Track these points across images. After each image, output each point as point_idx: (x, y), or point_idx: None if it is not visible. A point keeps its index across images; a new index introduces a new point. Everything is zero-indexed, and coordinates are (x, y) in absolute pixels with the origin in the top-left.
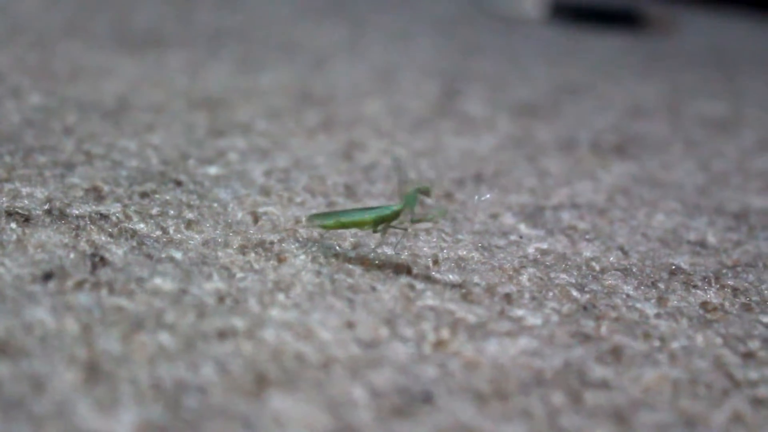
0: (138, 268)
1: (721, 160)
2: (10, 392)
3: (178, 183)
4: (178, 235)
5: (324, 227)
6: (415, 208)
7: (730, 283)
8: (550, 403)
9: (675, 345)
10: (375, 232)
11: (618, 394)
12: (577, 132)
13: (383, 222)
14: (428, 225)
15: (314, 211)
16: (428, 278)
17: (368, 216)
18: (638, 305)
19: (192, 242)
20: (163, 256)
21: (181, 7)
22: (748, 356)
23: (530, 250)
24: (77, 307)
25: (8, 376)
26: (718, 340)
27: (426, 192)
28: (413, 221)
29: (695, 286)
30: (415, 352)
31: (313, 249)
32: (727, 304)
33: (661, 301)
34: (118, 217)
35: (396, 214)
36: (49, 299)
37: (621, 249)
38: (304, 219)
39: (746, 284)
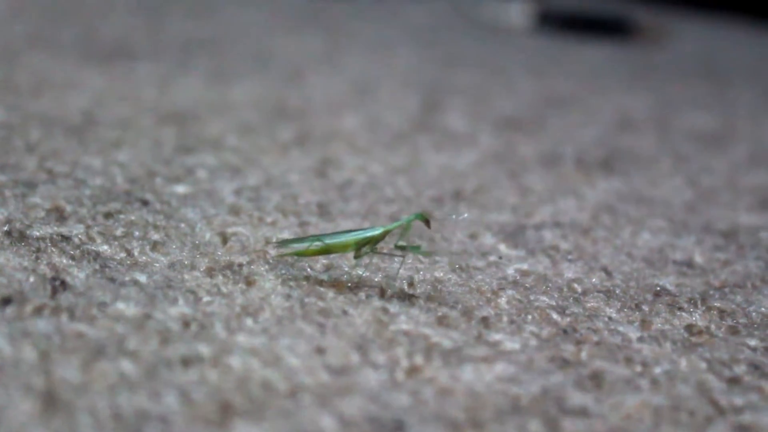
0: (100, 292)
1: (711, 176)
2: None
3: (145, 202)
4: (143, 258)
5: (298, 254)
6: (407, 235)
7: (717, 304)
8: None
9: (658, 370)
10: (357, 257)
11: (597, 421)
12: (561, 146)
13: (366, 245)
14: (407, 255)
15: (284, 237)
16: (403, 301)
17: (351, 238)
18: (621, 329)
19: (157, 265)
20: (127, 279)
21: (151, 18)
22: (734, 381)
23: (510, 271)
24: (36, 333)
25: None
26: (703, 365)
27: (425, 220)
28: (399, 247)
29: (680, 309)
30: (387, 378)
31: (283, 272)
32: (713, 326)
33: (644, 324)
34: (80, 239)
35: (381, 237)
36: (6, 325)
37: (604, 270)
38: (273, 246)
39: (734, 306)
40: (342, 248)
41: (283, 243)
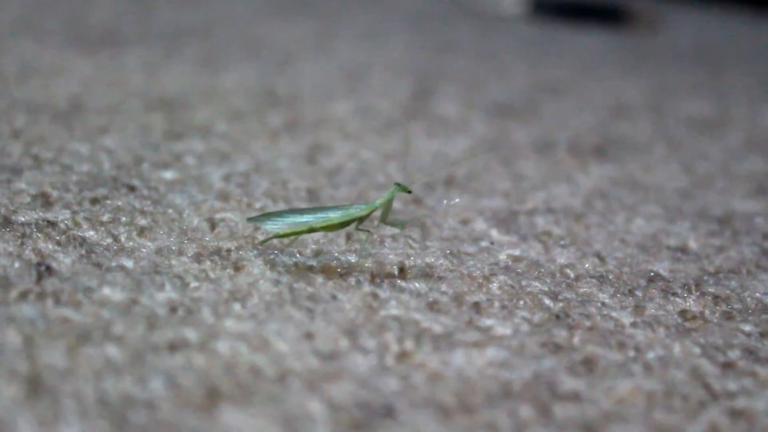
0: (86, 277)
1: (706, 162)
2: None
3: (132, 188)
4: (130, 243)
5: (278, 236)
6: (390, 211)
7: (711, 290)
8: (517, 417)
9: (651, 355)
10: (349, 239)
11: (589, 406)
12: (555, 133)
13: (353, 222)
14: (396, 230)
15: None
16: (393, 287)
17: (335, 219)
18: (614, 314)
19: (144, 250)
20: (114, 264)
21: (140, 3)
22: (728, 366)
23: (502, 256)
24: (20, 318)
25: None
26: (697, 350)
27: (406, 190)
28: (386, 222)
29: (674, 294)
30: (377, 364)
31: (272, 257)
32: (707, 312)
33: (637, 309)
34: (66, 225)
35: (366, 216)
36: None
37: (597, 255)
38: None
39: (728, 292)
40: (325, 229)
41: (260, 218)
